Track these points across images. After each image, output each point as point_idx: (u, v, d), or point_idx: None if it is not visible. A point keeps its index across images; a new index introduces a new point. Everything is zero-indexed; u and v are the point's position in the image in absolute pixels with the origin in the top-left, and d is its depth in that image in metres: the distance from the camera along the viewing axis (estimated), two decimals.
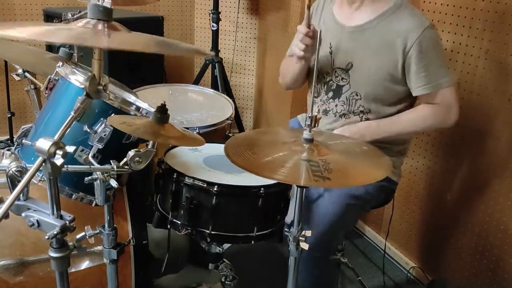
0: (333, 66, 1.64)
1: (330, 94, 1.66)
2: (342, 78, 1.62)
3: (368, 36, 1.56)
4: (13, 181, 0.97)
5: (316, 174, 0.99)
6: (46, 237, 0.96)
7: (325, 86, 1.68)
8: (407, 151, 1.76)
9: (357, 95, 1.60)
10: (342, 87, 1.63)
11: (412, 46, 1.47)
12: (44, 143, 0.90)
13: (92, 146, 1.18)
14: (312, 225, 1.50)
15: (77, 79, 1.23)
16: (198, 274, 1.93)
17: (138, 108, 1.25)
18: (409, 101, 1.60)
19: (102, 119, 1.18)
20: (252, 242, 1.28)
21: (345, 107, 1.63)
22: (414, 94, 1.55)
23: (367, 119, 1.61)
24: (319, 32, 1.09)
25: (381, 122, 1.59)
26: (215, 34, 3.08)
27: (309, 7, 1.52)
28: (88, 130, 1.16)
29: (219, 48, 3.14)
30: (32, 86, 1.80)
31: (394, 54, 1.51)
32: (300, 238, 1.14)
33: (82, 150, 1.20)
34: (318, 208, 1.55)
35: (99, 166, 1.11)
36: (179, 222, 1.28)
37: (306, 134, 1.09)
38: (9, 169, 0.97)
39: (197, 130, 1.65)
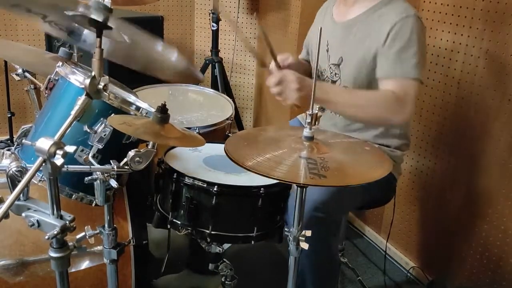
0: (328, 63, 1.66)
1: None
2: (335, 74, 1.63)
3: (356, 29, 1.57)
4: (13, 181, 0.97)
5: (312, 172, 0.98)
6: (46, 237, 0.96)
7: None
8: (407, 148, 1.74)
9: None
10: (335, 83, 1.64)
11: (391, 29, 1.46)
12: (44, 143, 0.90)
13: (92, 146, 1.18)
14: (312, 191, 1.45)
15: (77, 79, 1.23)
16: (198, 277, 1.93)
17: (138, 108, 1.25)
18: None
19: (102, 119, 1.18)
20: (252, 242, 1.28)
21: None
22: (376, 76, 1.50)
23: None
24: (319, 29, 1.09)
25: (336, 86, 1.54)
26: (215, 34, 3.07)
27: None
28: (88, 130, 1.16)
29: (219, 48, 3.13)
30: (32, 86, 1.80)
31: (377, 40, 1.50)
32: (300, 238, 1.14)
33: (82, 150, 1.20)
34: None
35: (99, 166, 1.11)
36: (179, 222, 1.28)
37: (306, 132, 1.09)
38: (9, 169, 0.97)
39: (197, 130, 1.65)
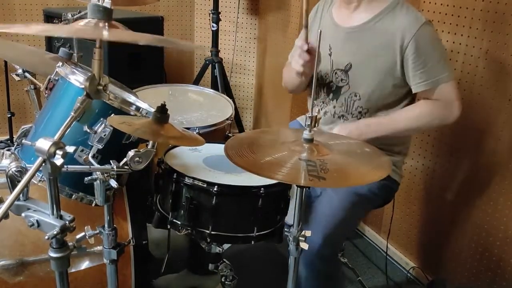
0: (332, 68, 1.64)
1: (330, 95, 1.66)
2: (342, 79, 1.62)
3: (365, 36, 1.57)
4: (13, 181, 0.97)
5: (311, 174, 0.98)
6: (46, 237, 0.96)
7: (325, 87, 1.68)
8: (408, 151, 1.76)
9: (356, 96, 1.60)
10: (341, 88, 1.63)
11: (409, 43, 1.48)
12: (44, 143, 0.90)
13: (92, 146, 1.18)
14: (320, 225, 1.49)
15: (77, 79, 1.23)
16: (197, 277, 1.93)
17: (138, 108, 1.25)
18: (408, 101, 1.60)
19: (102, 119, 1.18)
20: (252, 242, 1.28)
21: (343, 108, 1.64)
22: (413, 91, 1.54)
23: None
24: (319, 32, 1.09)
25: (381, 120, 1.57)
26: (215, 34, 3.08)
27: (306, 27, 1.53)
28: (88, 130, 1.16)
29: (219, 48, 3.14)
30: (32, 86, 1.80)
31: (392, 53, 1.51)
32: (300, 238, 1.14)
33: (82, 150, 1.20)
34: (324, 207, 1.55)
35: (99, 166, 1.11)
36: (179, 222, 1.28)
37: (306, 134, 1.09)
38: (9, 169, 0.97)
39: (197, 130, 1.65)
